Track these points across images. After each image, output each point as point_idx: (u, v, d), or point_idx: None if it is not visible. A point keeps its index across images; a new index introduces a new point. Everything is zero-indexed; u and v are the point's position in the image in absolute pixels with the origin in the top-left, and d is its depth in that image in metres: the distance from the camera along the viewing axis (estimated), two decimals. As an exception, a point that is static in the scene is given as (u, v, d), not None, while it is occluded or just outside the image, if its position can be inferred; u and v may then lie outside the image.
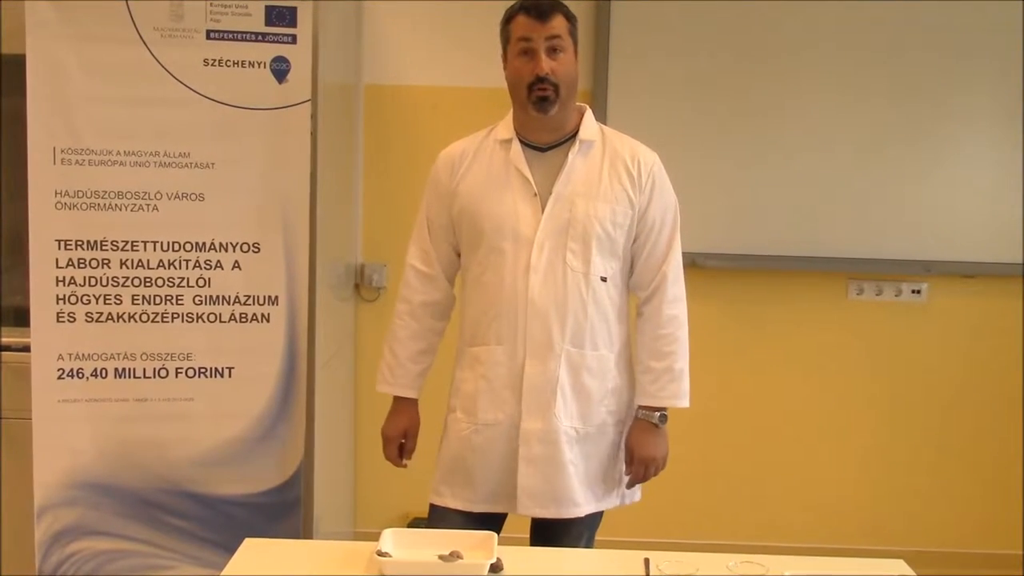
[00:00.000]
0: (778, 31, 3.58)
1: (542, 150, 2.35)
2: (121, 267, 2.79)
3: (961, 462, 3.77)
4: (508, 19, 2.33)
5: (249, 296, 2.87)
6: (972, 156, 3.63)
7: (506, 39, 2.34)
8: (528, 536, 2.51)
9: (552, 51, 2.27)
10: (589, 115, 2.40)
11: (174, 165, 2.80)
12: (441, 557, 1.94)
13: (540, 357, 2.32)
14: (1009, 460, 3.75)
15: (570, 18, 2.32)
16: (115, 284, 2.79)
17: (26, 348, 2.82)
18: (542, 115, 2.29)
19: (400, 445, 2.50)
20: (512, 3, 2.34)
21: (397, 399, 2.50)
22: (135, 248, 2.80)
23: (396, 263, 3.67)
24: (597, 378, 2.36)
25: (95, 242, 2.77)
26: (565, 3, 2.33)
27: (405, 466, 2.52)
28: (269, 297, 2.88)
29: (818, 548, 3.29)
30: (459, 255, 2.45)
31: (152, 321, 2.82)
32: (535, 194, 2.31)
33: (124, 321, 2.80)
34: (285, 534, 2.89)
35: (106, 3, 2.72)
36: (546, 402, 2.32)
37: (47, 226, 2.75)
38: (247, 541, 2.07)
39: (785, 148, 3.62)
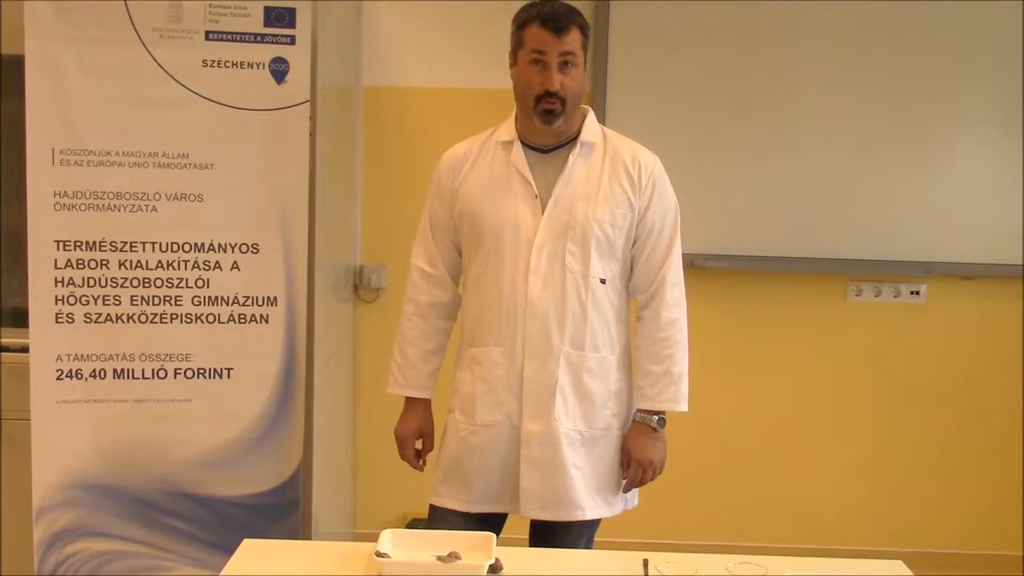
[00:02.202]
0: (778, 31, 3.58)
1: (544, 152, 2.35)
2: (120, 268, 2.79)
3: (960, 463, 3.77)
4: (522, 24, 2.28)
5: (248, 297, 2.87)
6: (971, 157, 3.63)
7: (518, 42, 2.30)
8: (528, 537, 2.51)
9: (564, 65, 2.26)
10: (591, 117, 2.39)
11: (173, 166, 2.80)
12: (440, 558, 1.94)
13: (539, 358, 2.32)
14: (1009, 461, 3.76)
15: (584, 29, 2.28)
16: (114, 285, 2.79)
17: (25, 349, 2.82)
18: (546, 126, 2.29)
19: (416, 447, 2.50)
20: (526, 2, 2.31)
21: (409, 400, 2.49)
22: (134, 249, 2.80)
23: (395, 264, 3.68)
24: (599, 380, 2.35)
25: (94, 243, 2.77)
26: (575, 4, 2.29)
27: (422, 467, 2.52)
28: (268, 298, 2.88)
29: (817, 549, 3.29)
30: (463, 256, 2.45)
31: (151, 322, 2.82)
32: (536, 196, 2.31)
33: (123, 322, 2.80)
34: (284, 535, 2.89)
35: (105, 4, 2.72)
36: (546, 404, 2.32)
37: (46, 227, 2.75)
38: (246, 542, 2.07)
39: (784, 149, 3.62)
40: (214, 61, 2.79)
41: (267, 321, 2.88)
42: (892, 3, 3.55)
